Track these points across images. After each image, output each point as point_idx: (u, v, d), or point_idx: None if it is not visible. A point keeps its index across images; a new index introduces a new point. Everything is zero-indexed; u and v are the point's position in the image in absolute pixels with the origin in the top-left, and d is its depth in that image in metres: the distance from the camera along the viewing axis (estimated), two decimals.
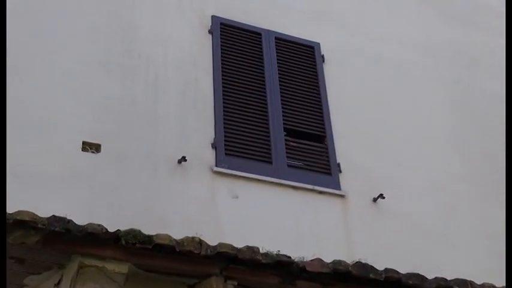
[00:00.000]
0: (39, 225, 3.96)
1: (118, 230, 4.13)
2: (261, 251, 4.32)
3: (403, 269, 4.56)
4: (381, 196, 5.97)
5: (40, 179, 5.01)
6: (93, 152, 5.35)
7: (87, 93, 5.61)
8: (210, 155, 5.71)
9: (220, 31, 6.47)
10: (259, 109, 6.11)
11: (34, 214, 3.99)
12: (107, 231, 4.09)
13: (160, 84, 5.93)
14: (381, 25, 7.32)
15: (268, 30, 6.66)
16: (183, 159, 5.52)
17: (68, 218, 4.07)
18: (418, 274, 4.53)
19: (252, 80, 6.27)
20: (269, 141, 5.96)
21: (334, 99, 6.48)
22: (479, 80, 7.35)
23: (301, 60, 6.64)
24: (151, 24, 6.26)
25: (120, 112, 5.63)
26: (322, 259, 4.44)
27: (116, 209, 5.11)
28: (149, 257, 4.20)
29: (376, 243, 5.68)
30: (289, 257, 4.37)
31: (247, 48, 6.47)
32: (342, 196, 5.91)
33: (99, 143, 5.39)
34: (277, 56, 6.53)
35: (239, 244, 4.32)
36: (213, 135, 5.82)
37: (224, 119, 5.92)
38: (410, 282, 4.47)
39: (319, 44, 6.82)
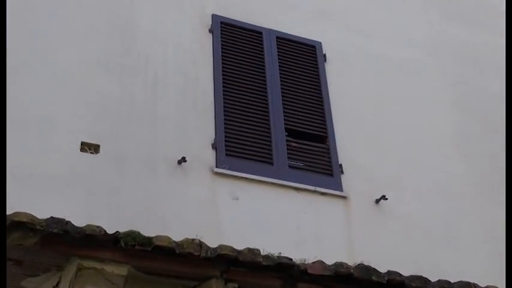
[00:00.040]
0: (38, 227, 3.94)
1: (117, 231, 4.12)
2: (262, 253, 4.30)
3: (405, 271, 4.53)
4: (384, 197, 5.93)
5: (38, 180, 4.98)
6: (91, 153, 5.32)
7: (86, 93, 5.58)
8: (210, 156, 5.68)
9: (221, 30, 6.44)
10: (260, 109, 6.08)
11: (32, 215, 3.96)
12: (106, 232, 4.08)
13: (160, 84, 5.90)
14: (383, 24, 7.29)
15: (269, 29, 6.63)
16: (183, 159, 5.49)
17: (67, 219, 4.04)
18: (421, 276, 4.50)
19: (253, 80, 6.23)
20: (270, 141, 5.92)
21: (336, 99, 6.44)
22: (483, 80, 7.32)
23: (303, 59, 6.59)
24: (150, 23, 6.24)
25: (119, 112, 5.60)
26: (324, 261, 4.42)
27: (115, 210, 5.08)
28: (148, 259, 4.18)
29: (378, 245, 5.64)
30: (291, 259, 4.36)
31: (248, 48, 6.43)
32: (344, 197, 5.87)
33: (98, 143, 5.37)
34: (278, 55, 6.49)
35: (240, 246, 4.30)
36: (213, 136, 5.78)
37: (225, 119, 5.89)
38: (414, 284, 4.44)
39: (320, 43, 6.78)
